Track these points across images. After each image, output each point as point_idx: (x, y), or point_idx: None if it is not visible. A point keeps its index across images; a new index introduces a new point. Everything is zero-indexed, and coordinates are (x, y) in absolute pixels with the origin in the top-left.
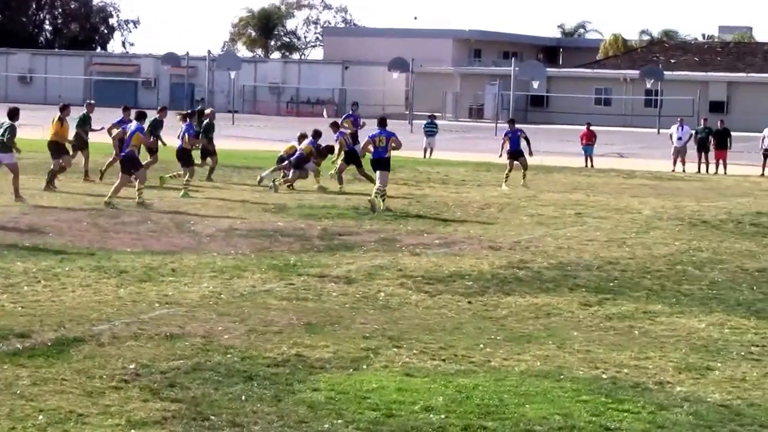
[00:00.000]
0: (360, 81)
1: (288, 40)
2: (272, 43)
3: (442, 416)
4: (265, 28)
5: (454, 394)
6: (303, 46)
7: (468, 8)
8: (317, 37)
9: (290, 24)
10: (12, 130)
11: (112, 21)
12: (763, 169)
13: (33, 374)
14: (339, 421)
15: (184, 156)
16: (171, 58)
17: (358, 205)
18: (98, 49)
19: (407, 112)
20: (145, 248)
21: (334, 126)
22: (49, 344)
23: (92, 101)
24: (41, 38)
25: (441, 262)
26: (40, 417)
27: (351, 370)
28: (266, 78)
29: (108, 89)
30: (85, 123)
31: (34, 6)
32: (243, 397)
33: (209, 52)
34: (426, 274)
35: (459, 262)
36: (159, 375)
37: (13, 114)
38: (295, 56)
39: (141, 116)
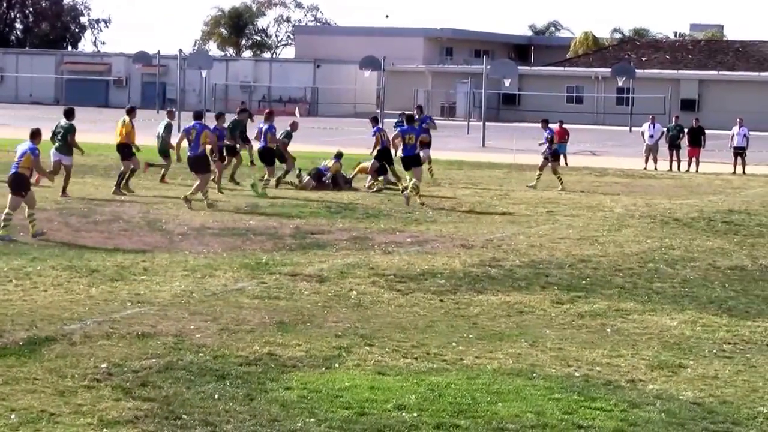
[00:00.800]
0: (331, 79)
1: (259, 38)
2: (243, 41)
3: (415, 414)
4: (236, 27)
5: (426, 393)
6: (274, 45)
7: (439, 7)
8: (288, 36)
9: (261, 23)
10: (72, 130)
11: (83, 20)
12: (734, 167)
13: (5, 373)
14: (311, 419)
15: (267, 155)
16: (142, 57)
17: (330, 204)
18: (69, 48)
19: (379, 111)
20: (116, 247)
21: (374, 120)
22: (21, 343)
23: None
24: (12, 37)
25: (413, 260)
26: (12, 416)
27: (323, 368)
28: (238, 77)
29: (79, 88)
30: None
31: (4, 5)
32: (215, 396)
33: (180, 50)
34: (398, 272)
35: (431, 261)
36: (131, 374)
37: (69, 113)
38: (267, 55)
39: (198, 116)
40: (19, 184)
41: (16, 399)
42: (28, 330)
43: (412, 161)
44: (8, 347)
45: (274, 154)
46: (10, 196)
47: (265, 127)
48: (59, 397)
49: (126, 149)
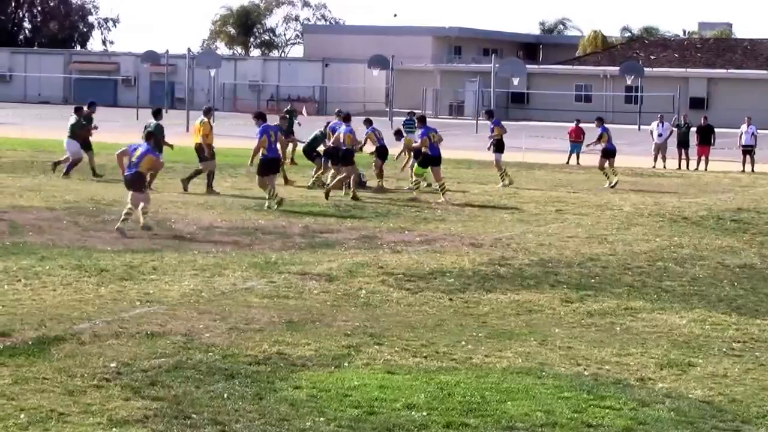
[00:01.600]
0: (340, 78)
1: (267, 37)
2: (252, 40)
3: (424, 413)
4: (244, 26)
5: (435, 392)
6: (282, 44)
7: (448, 5)
8: (297, 35)
9: (269, 22)
10: (160, 130)
11: (92, 19)
12: (743, 166)
13: (14, 373)
14: (321, 418)
15: (348, 156)
16: (151, 56)
17: (338, 203)
18: (78, 48)
19: (387, 110)
20: (125, 247)
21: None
22: (30, 343)
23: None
24: (20, 36)
25: (422, 259)
26: (22, 416)
27: (332, 367)
28: (246, 76)
29: (88, 87)
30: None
31: (13, 4)
32: (224, 396)
33: (189, 50)
34: (407, 271)
35: (440, 260)
36: (140, 373)
37: (157, 113)
38: (275, 54)
39: (261, 116)
40: (139, 183)
41: (26, 398)
42: (37, 329)
43: (438, 160)
44: (17, 347)
45: (353, 154)
46: (131, 193)
47: (343, 129)
48: (68, 396)
49: (202, 150)
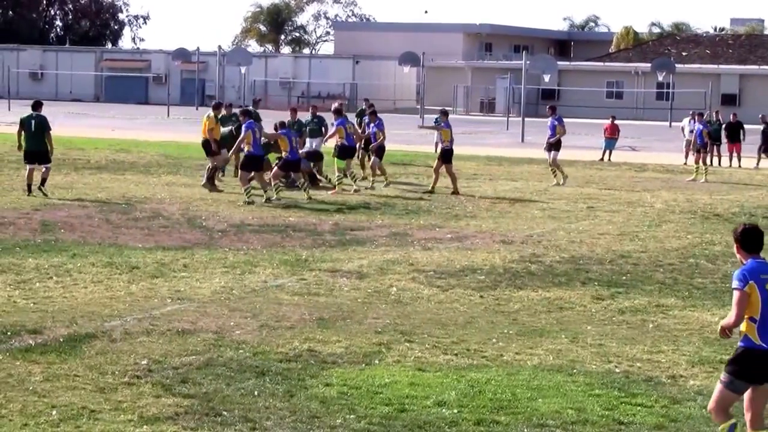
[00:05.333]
0: (371, 75)
1: (298, 34)
2: (282, 38)
3: (455, 411)
4: (275, 23)
5: (466, 389)
6: (313, 41)
7: (478, 2)
8: (327, 32)
9: (300, 19)
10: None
11: (122, 17)
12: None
13: (45, 370)
14: (351, 416)
15: (380, 152)
16: (181, 54)
17: (369, 200)
18: (109, 45)
19: (418, 107)
20: (156, 244)
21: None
22: (62, 340)
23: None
24: (52, 34)
25: (453, 256)
26: (53, 413)
27: (363, 365)
28: (277, 73)
29: (119, 85)
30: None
31: (44, 2)
32: (255, 393)
33: (220, 47)
34: (438, 268)
35: (471, 257)
36: (171, 371)
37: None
38: (306, 51)
39: (247, 113)
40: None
41: (57, 396)
42: (69, 327)
43: (353, 151)
44: (49, 344)
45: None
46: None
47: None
48: (100, 393)
49: (208, 145)
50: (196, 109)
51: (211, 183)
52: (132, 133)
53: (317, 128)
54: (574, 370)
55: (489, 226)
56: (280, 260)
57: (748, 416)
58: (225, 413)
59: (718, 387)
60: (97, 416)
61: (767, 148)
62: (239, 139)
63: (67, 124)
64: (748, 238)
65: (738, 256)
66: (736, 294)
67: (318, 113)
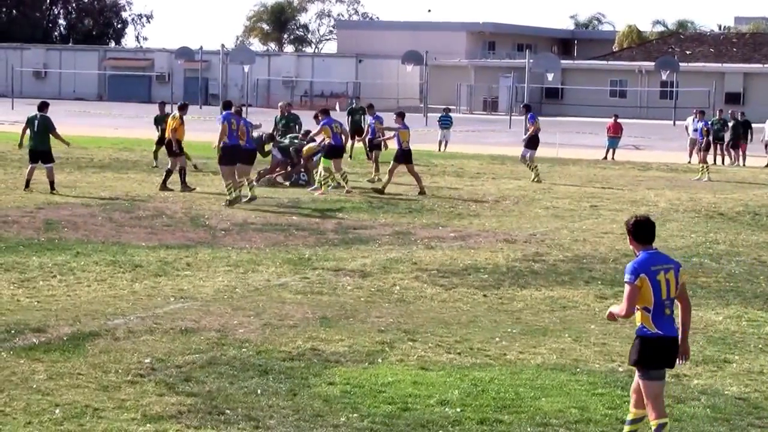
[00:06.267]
0: (374, 74)
1: (301, 33)
2: (285, 36)
3: (458, 410)
4: (278, 22)
5: (469, 388)
6: (316, 40)
7: (481, 1)
8: (330, 31)
9: (303, 18)
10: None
11: (126, 15)
12: None
13: (49, 369)
14: (354, 415)
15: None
16: (185, 53)
17: (372, 199)
18: (112, 44)
19: (422, 105)
20: (159, 242)
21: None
22: (65, 339)
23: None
24: (55, 33)
25: (456, 255)
26: (57, 411)
27: (366, 363)
28: (280, 72)
29: (122, 84)
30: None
31: (48, 1)
32: (258, 391)
33: (223, 46)
34: (441, 267)
35: (474, 256)
36: (174, 369)
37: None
38: (309, 50)
39: (228, 105)
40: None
41: (60, 394)
42: (72, 325)
43: (340, 151)
44: (52, 342)
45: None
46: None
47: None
48: (103, 392)
49: (171, 146)
50: (200, 108)
51: (183, 184)
52: (135, 132)
53: (290, 126)
54: (578, 369)
55: (492, 225)
56: (283, 259)
57: (649, 407)
58: (228, 412)
59: (641, 385)
60: (100, 415)
61: None
62: (220, 132)
63: (70, 122)
64: (640, 230)
65: (631, 247)
66: (627, 288)
67: (292, 111)
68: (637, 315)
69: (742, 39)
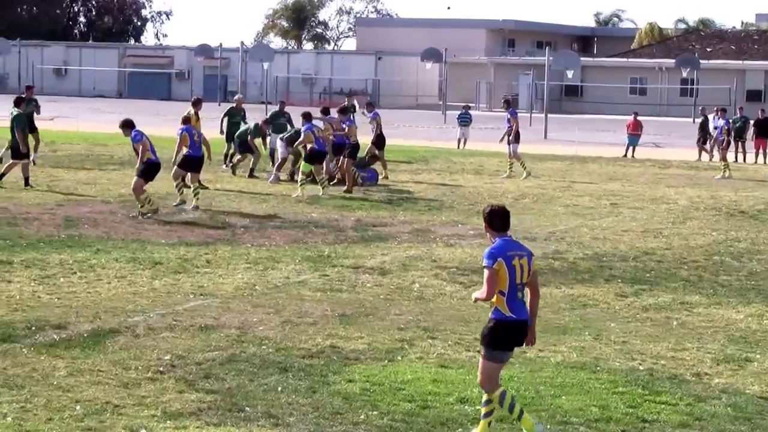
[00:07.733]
0: (393, 71)
1: (320, 31)
2: (305, 34)
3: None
4: (297, 20)
5: None
6: (335, 37)
7: None
8: (349, 28)
9: (322, 15)
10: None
11: (145, 13)
12: None
13: (69, 365)
14: (374, 412)
15: (380, 143)
16: (204, 50)
17: (391, 196)
18: (132, 42)
19: (441, 103)
20: (179, 240)
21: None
22: (85, 335)
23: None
24: (75, 31)
25: (475, 252)
26: (77, 408)
27: (386, 361)
28: (299, 69)
29: (141, 81)
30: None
31: None
32: (278, 389)
33: (242, 43)
34: (460, 264)
35: None
36: (194, 366)
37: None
38: (328, 47)
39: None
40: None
41: (81, 390)
42: (92, 322)
43: (322, 156)
44: (73, 339)
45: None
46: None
47: (370, 115)
48: (123, 388)
49: None
50: (219, 105)
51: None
52: (154, 129)
53: (282, 125)
54: (598, 368)
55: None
56: (302, 256)
57: (480, 381)
58: (248, 409)
59: (480, 362)
60: (120, 411)
61: None
62: (178, 142)
63: (90, 119)
64: (494, 218)
65: (488, 234)
66: (486, 272)
67: (285, 110)
68: (493, 298)
69: (763, 36)
